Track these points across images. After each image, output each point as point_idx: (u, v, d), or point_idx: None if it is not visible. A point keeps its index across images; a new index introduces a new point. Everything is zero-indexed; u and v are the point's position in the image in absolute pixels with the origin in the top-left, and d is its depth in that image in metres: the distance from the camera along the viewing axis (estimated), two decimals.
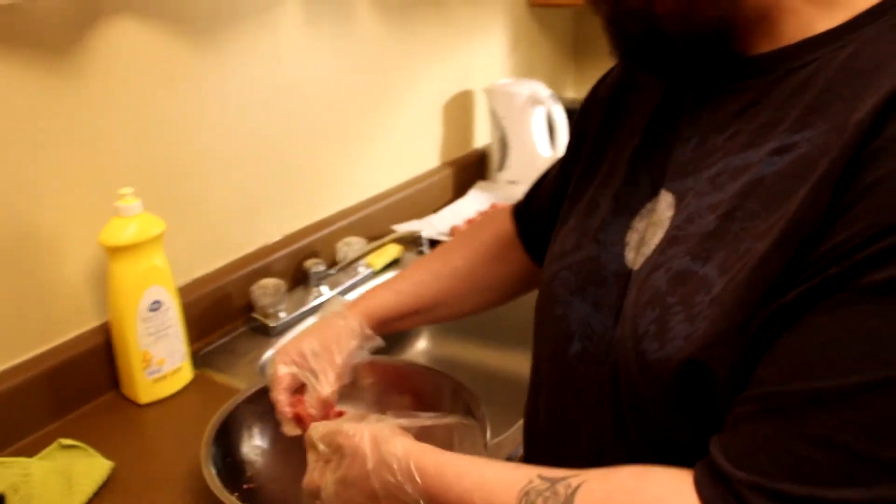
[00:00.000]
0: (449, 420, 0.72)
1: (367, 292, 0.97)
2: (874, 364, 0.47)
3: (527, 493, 0.59)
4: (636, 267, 0.67)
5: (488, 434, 0.86)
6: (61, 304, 1.07)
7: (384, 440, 0.68)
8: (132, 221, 1.03)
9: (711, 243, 0.59)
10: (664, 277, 0.62)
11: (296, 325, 1.29)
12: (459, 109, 1.87)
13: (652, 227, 0.67)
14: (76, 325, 1.09)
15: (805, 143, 0.54)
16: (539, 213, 0.94)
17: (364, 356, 0.91)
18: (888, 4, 0.55)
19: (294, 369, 0.87)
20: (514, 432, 1.03)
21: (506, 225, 0.99)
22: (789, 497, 0.49)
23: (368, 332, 0.91)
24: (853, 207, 0.49)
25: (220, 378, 1.15)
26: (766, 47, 0.61)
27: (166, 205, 1.12)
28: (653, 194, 0.69)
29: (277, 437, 0.96)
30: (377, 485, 0.67)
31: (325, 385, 0.86)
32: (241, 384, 1.11)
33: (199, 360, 1.19)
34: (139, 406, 1.09)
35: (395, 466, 0.66)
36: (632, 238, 0.70)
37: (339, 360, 0.88)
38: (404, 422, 0.71)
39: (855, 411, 0.48)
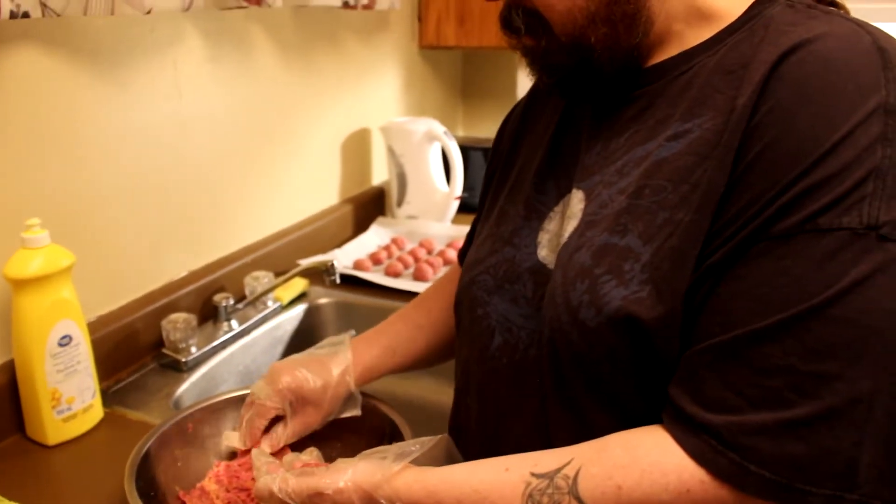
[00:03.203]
0: (422, 446, 0.73)
1: (365, 346, 0.98)
2: (797, 297, 0.56)
3: (530, 496, 0.62)
4: (554, 255, 0.74)
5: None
6: None
7: (373, 488, 0.68)
8: (39, 253, 0.99)
9: (626, 218, 0.67)
10: (587, 254, 0.69)
11: (208, 359, 1.26)
12: (357, 147, 1.90)
13: (566, 220, 0.74)
14: None
15: (696, 129, 0.65)
16: None
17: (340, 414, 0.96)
18: (741, 21, 0.67)
19: (280, 405, 0.91)
20: None
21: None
22: (763, 426, 0.56)
23: (357, 394, 0.95)
24: (750, 172, 0.59)
25: (134, 415, 1.11)
26: (652, 61, 0.72)
27: (70, 240, 1.09)
28: (559, 198, 0.78)
29: (201, 469, 0.95)
30: None
31: (294, 433, 0.93)
32: (156, 420, 1.08)
33: (110, 397, 1.14)
34: (47, 448, 1.03)
35: None
36: (543, 238, 0.78)
37: (319, 416, 0.93)
38: (384, 466, 0.71)
39: (792, 339, 0.56)
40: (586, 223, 0.71)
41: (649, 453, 0.60)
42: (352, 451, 0.84)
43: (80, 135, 1.13)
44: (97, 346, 1.12)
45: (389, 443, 0.87)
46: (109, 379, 1.19)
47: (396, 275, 1.61)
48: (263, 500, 0.74)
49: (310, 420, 0.93)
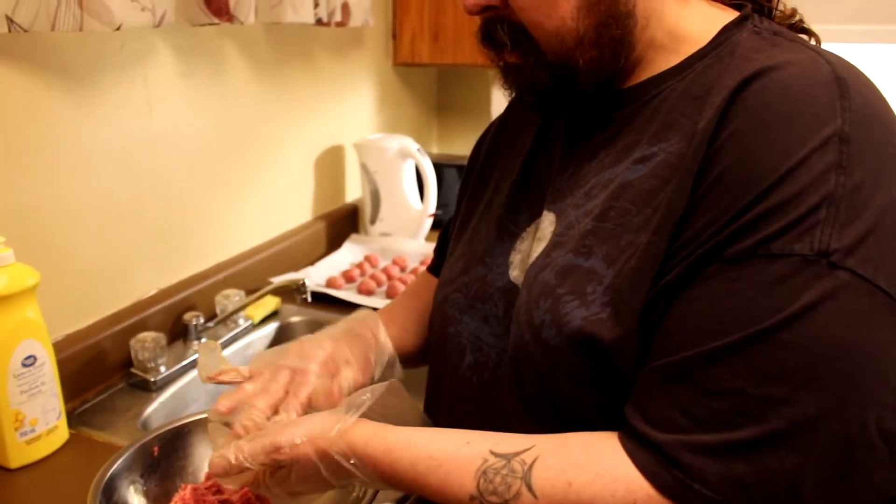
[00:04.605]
0: (373, 394, 0.72)
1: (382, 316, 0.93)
2: (747, 320, 0.56)
3: (484, 473, 0.62)
4: (522, 275, 0.74)
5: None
6: None
7: (328, 444, 0.67)
8: (4, 272, 0.97)
9: (590, 240, 0.67)
10: (551, 274, 0.69)
11: (177, 379, 1.25)
12: (330, 164, 1.90)
13: (536, 242, 0.75)
14: None
15: (662, 153, 0.65)
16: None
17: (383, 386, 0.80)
18: (710, 47, 0.69)
19: (315, 374, 0.80)
20: None
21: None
22: (707, 446, 0.56)
23: (393, 355, 0.88)
24: (708, 196, 0.60)
25: (100, 436, 1.09)
26: (625, 84, 0.73)
27: (36, 257, 1.07)
28: (532, 219, 0.78)
29: (167, 492, 0.93)
30: (335, 482, 0.69)
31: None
32: (123, 441, 1.06)
33: (76, 418, 1.12)
34: (9, 471, 1.01)
35: (354, 471, 0.67)
36: (515, 258, 0.78)
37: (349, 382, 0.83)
38: (338, 418, 0.69)
39: (741, 361, 0.56)
40: (553, 244, 0.72)
41: (604, 457, 0.61)
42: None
43: (48, 151, 1.11)
44: (63, 365, 1.10)
45: None
46: (76, 399, 1.17)
47: (369, 293, 1.60)
48: (219, 475, 0.71)
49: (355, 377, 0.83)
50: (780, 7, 0.75)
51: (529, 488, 0.60)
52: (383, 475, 0.67)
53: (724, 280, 0.58)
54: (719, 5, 0.74)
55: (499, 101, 2.19)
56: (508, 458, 0.62)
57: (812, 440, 0.55)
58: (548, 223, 0.75)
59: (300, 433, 0.68)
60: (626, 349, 0.63)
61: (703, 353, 0.58)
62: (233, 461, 0.70)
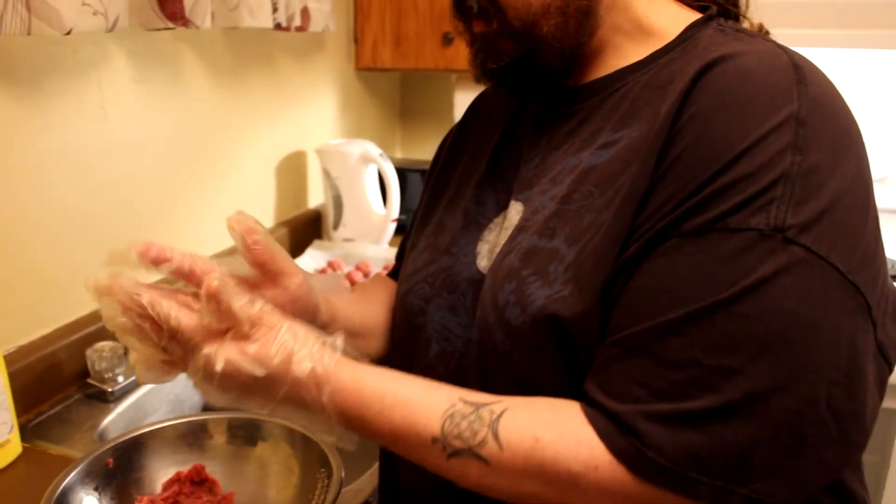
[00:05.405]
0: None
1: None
2: (703, 292, 0.57)
3: (451, 416, 0.62)
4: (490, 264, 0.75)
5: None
6: None
7: (324, 377, 0.63)
8: None
9: (554, 222, 0.68)
10: (516, 257, 0.70)
11: (136, 389, 1.22)
12: (292, 170, 1.88)
13: (504, 232, 0.76)
14: None
15: (625, 139, 0.67)
16: None
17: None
18: (675, 43, 0.71)
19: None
20: (369, 476, 1.04)
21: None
22: (664, 415, 0.57)
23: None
24: (668, 173, 0.61)
25: (55, 450, 1.07)
26: (591, 77, 0.75)
27: None
28: (499, 210, 0.79)
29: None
30: (280, 383, 0.63)
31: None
32: (79, 454, 1.03)
33: (30, 431, 1.10)
34: None
35: (310, 384, 0.63)
36: (482, 248, 0.78)
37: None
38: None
39: (697, 332, 0.57)
40: (519, 228, 0.73)
41: (569, 419, 0.61)
42: (284, 475, 0.83)
43: None
44: (16, 377, 1.07)
45: (325, 471, 0.85)
46: (30, 412, 1.14)
47: None
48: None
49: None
50: (748, 17, 0.78)
51: (496, 437, 0.61)
52: (346, 405, 0.63)
53: (682, 253, 0.59)
54: (687, 7, 0.76)
55: (462, 105, 2.18)
56: (477, 406, 0.62)
57: (765, 412, 0.56)
58: (515, 212, 0.76)
59: (282, 316, 0.65)
60: (588, 327, 0.63)
61: (660, 325, 0.59)
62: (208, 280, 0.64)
